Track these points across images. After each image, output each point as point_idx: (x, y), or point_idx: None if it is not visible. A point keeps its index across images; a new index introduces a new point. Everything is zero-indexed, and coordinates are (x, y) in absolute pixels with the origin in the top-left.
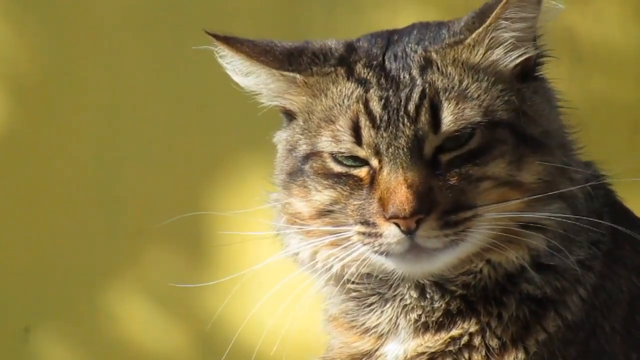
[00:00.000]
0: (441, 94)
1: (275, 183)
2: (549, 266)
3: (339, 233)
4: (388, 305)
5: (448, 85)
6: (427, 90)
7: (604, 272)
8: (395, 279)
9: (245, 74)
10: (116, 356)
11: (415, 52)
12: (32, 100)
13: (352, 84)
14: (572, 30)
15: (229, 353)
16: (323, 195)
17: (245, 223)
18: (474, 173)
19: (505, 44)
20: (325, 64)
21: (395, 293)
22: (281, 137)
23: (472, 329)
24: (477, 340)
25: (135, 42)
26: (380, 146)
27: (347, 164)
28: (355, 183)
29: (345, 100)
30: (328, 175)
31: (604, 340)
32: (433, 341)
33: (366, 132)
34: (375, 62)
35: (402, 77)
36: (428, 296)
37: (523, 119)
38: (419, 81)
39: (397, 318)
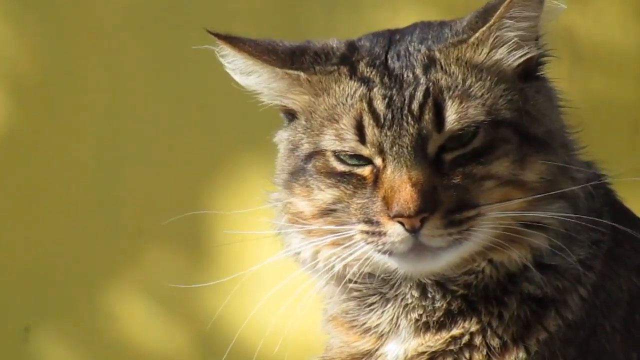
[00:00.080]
0: (445, 92)
1: (277, 183)
2: (550, 266)
3: (342, 232)
4: (389, 305)
5: (452, 84)
6: (431, 88)
7: (604, 272)
8: (397, 278)
9: (247, 73)
10: (116, 356)
11: (419, 51)
12: (32, 100)
13: (356, 83)
14: (572, 30)
15: (230, 353)
16: (326, 194)
17: (245, 223)
18: (478, 172)
19: (509, 43)
20: (328, 63)
21: (397, 293)
22: (282, 137)
23: (473, 329)
24: (478, 340)
25: (135, 42)
26: (384, 145)
27: (351, 162)
28: (359, 182)
29: (349, 99)
30: (331, 174)
31: (604, 340)
32: (434, 340)
33: (370, 131)
34: (378, 61)
35: (405, 75)
36: (429, 296)
37: (526, 118)
38: (422, 80)
39: (398, 318)
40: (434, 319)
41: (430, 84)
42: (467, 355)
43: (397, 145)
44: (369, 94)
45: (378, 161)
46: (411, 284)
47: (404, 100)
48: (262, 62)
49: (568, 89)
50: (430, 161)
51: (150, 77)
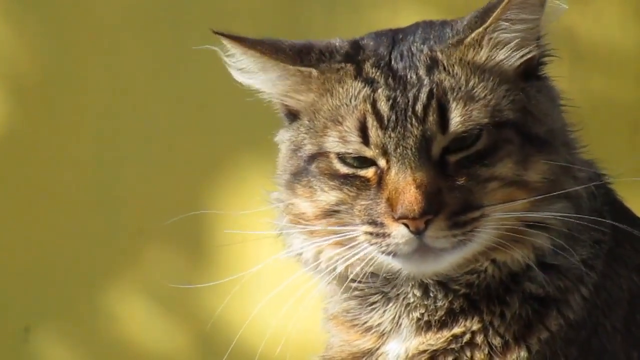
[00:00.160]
0: (449, 94)
1: (278, 183)
2: (553, 265)
3: (345, 233)
4: (391, 304)
5: (455, 85)
6: (434, 90)
7: (605, 271)
8: (399, 277)
9: (255, 73)
10: (116, 356)
11: (421, 51)
12: (32, 100)
13: (359, 84)
14: (572, 30)
15: (230, 353)
16: (329, 195)
17: (246, 223)
18: (482, 174)
19: (510, 44)
20: (333, 61)
21: (399, 292)
22: (284, 137)
23: (475, 327)
24: (479, 339)
25: (135, 42)
26: (388, 146)
27: (354, 164)
28: (362, 184)
29: (352, 100)
30: (334, 176)
31: (605, 339)
32: (435, 339)
33: (374, 133)
34: (382, 62)
35: (409, 77)
36: (431, 295)
37: (528, 118)
38: (426, 81)
39: (400, 317)
40: (436, 318)
41: (434, 85)
42: (468, 353)
43: (401, 147)
44: (373, 95)
45: (382, 163)
46: (413, 283)
47: (408, 101)
48: (273, 60)
49: (568, 88)
50: (435, 163)
51: (150, 77)
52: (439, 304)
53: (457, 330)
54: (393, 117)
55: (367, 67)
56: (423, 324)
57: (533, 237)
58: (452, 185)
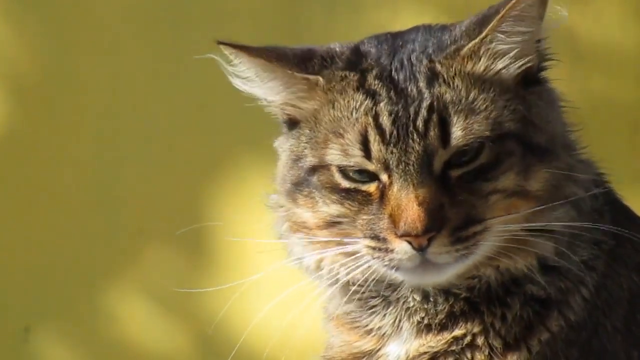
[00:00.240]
0: (450, 107)
1: (279, 191)
2: (554, 267)
3: (347, 244)
4: (391, 308)
5: (456, 98)
6: (435, 103)
7: (605, 272)
8: (400, 283)
9: (259, 81)
10: (116, 356)
11: (421, 62)
12: (32, 100)
13: (361, 96)
14: (572, 30)
15: (232, 356)
16: (330, 208)
17: (247, 224)
18: (485, 188)
19: (509, 54)
20: (335, 67)
21: (399, 296)
22: (285, 145)
23: (476, 329)
24: (480, 340)
25: (135, 42)
26: (390, 162)
27: (356, 178)
28: (364, 198)
29: (354, 113)
30: (335, 189)
31: (605, 339)
32: (435, 341)
33: (375, 147)
34: (385, 73)
35: (410, 90)
36: (432, 299)
37: (529, 127)
38: (426, 94)
39: (401, 320)
40: (436, 321)
41: (435, 98)
42: (469, 355)
43: (403, 163)
44: (375, 108)
45: (384, 177)
46: (413, 289)
47: (409, 116)
48: (279, 68)
49: (568, 89)
50: (436, 177)
51: (150, 77)
52: (440, 307)
53: (457, 332)
54: (395, 132)
55: (370, 78)
56: (423, 327)
57: (536, 244)
58: (454, 200)
